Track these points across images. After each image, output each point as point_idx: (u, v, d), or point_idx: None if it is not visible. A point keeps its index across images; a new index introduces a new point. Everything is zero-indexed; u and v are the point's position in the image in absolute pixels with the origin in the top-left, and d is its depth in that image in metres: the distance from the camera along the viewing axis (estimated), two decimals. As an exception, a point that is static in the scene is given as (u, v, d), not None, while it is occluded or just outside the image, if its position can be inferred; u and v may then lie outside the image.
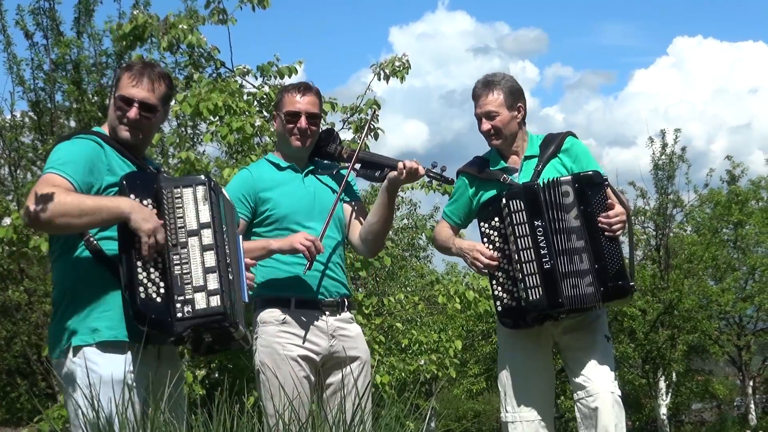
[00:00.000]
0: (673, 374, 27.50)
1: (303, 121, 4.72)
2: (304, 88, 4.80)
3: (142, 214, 3.67)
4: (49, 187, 3.62)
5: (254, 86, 8.86)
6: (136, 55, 9.07)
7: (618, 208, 4.74)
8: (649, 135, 28.35)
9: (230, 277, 3.79)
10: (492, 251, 4.81)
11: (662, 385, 26.94)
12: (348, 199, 4.91)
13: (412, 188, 10.09)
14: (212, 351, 4.01)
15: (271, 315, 4.65)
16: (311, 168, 4.84)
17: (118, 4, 15.53)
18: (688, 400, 31.10)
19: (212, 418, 3.31)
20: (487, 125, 4.89)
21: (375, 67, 8.86)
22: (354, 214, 4.91)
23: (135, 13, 8.83)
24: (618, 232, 4.75)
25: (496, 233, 4.82)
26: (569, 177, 4.77)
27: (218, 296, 3.67)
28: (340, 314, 4.74)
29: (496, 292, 4.84)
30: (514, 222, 4.71)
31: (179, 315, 3.65)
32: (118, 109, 3.94)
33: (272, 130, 8.64)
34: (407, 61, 8.82)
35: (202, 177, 3.86)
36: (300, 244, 4.51)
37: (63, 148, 3.83)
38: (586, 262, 4.70)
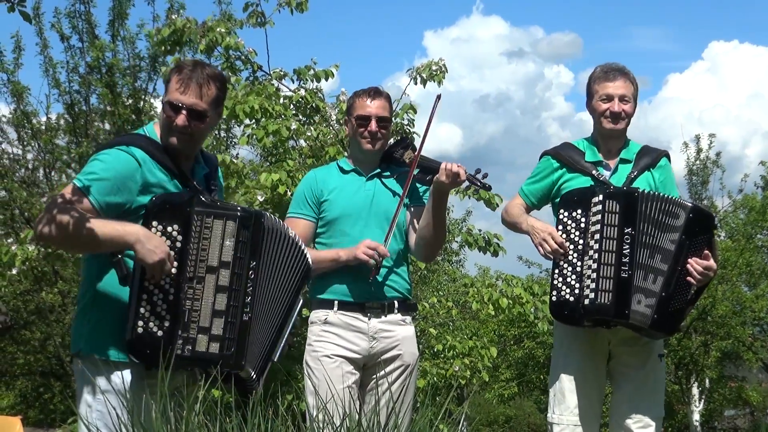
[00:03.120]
0: (706, 381, 27.30)
1: (373, 125, 4.83)
2: (374, 92, 4.92)
3: (149, 244, 3.59)
4: (64, 205, 3.60)
5: (290, 90, 8.87)
6: (173, 58, 9.08)
7: (712, 263, 4.72)
8: (683, 140, 28.09)
9: (244, 318, 3.71)
10: (565, 241, 4.80)
11: (695, 391, 26.77)
12: (409, 204, 4.91)
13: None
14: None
15: (316, 316, 4.80)
16: (377, 171, 4.91)
17: (152, 8, 15.56)
18: (721, 407, 30.82)
19: (246, 422, 3.32)
20: (620, 107, 4.90)
21: (411, 72, 8.86)
22: (413, 219, 4.92)
23: (173, 17, 8.82)
24: (699, 283, 4.74)
25: (574, 224, 4.80)
26: (690, 204, 4.77)
27: (218, 343, 3.63)
28: (385, 316, 4.79)
29: (555, 282, 4.83)
30: (605, 222, 4.69)
31: (178, 352, 3.62)
32: (166, 115, 3.84)
33: (308, 134, 8.63)
34: (444, 65, 8.78)
35: (237, 210, 3.78)
36: (363, 254, 4.61)
37: (102, 159, 3.76)
38: (658, 284, 4.67)
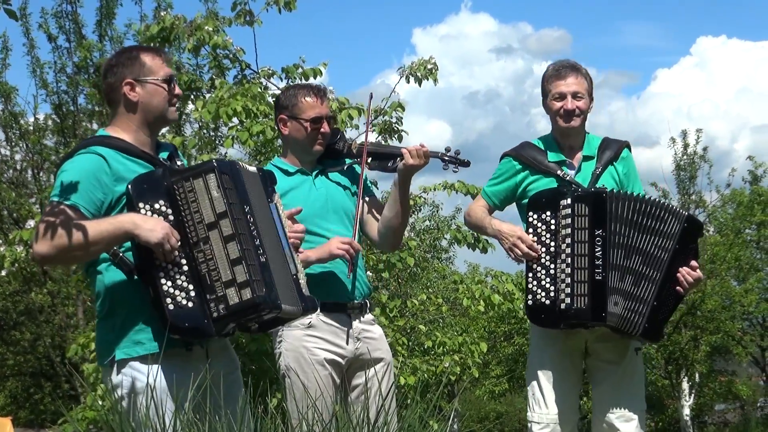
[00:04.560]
0: (696, 375, 27.43)
1: (326, 126, 4.72)
2: (322, 92, 4.78)
3: (146, 225, 3.58)
4: (53, 221, 3.54)
5: (278, 88, 8.83)
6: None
7: (700, 274, 4.73)
8: (671, 135, 28.25)
9: (262, 260, 3.67)
10: (535, 243, 4.76)
11: (685, 385, 26.87)
12: (364, 196, 4.86)
13: (435, 189, 10.04)
14: (270, 327, 4.00)
15: (297, 320, 4.58)
16: (320, 168, 4.81)
17: (140, 7, 15.55)
18: (711, 401, 30.99)
19: (236, 420, 3.29)
20: (573, 104, 4.85)
21: (402, 70, 8.76)
22: (370, 210, 4.87)
23: (162, 14, 8.81)
24: (686, 291, 4.76)
25: (544, 227, 4.76)
26: (685, 213, 4.77)
27: (248, 288, 3.58)
28: (363, 316, 4.76)
29: (530, 286, 4.78)
30: (575, 225, 4.66)
31: (215, 315, 3.60)
32: (167, 92, 3.88)
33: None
34: (435, 63, 8.77)
35: (212, 163, 3.73)
36: (338, 249, 4.51)
37: (67, 169, 3.73)
38: (650, 293, 4.69)
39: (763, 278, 27.95)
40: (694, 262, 4.73)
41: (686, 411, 26.80)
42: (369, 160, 4.79)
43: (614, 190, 4.76)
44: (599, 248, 4.64)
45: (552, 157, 4.92)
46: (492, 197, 5.05)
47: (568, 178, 4.85)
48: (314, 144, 4.73)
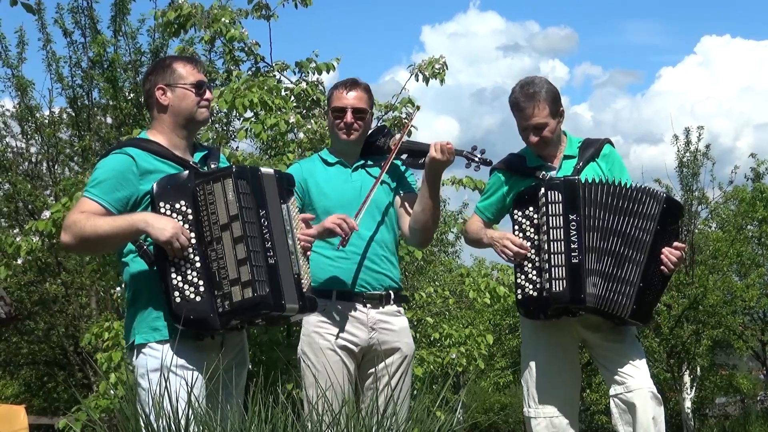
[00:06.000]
0: (698, 369, 27.48)
1: (349, 116, 4.81)
2: (351, 83, 4.90)
3: (158, 224, 3.84)
4: (78, 214, 3.93)
5: (291, 82, 8.96)
6: (177, 47, 9.22)
7: (680, 253, 4.78)
8: (674, 133, 28.26)
9: (270, 262, 3.89)
10: (522, 240, 4.82)
11: (687, 379, 26.88)
12: (399, 191, 4.95)
13: (443, 183, 10.19)
14: (277, 322, 4.26)
15: None
16: (361, 162, 4.91)
17: (154, 3, 15.74)
18: (712, 394, 31.01)
19: (247, 409, 3.41)
20: (536, 138, 4.87)
21: (412, 68, 8.91)
22: (405, 205, 4.92)
23: (180, 2, 8.92)
24: (669, 271, 4.80)
25: (528, 222, 4.82)
26: (665, 195, 4.84)
27: (250, 287, 3.81)
28: (383, 307, 4.81)
29: (519, 281, 4.83)
30: (550, 212, 4.71)
31: (220, 310, 3.84)
32: (196, 95, 4.16)
33: (308, 127, 8.73)
34: (445, 63, 8.91)
35: (231, 168, 4.00)
36: (331, 222, 4.59)
37: (99, 166, 4.08)
38: (635, 274, 4.72)
39: (764, 274, 27.92)
40: (676, 243, 4.79)
41: (687, 404, 26.86)
42: (404, 156, 4.91)
43: (588, 178, 4.80)
44: (574, 232, 4.69)
45: (531, 162, 4.98)
46: (484, 212, 5.13)
47: (547, 178, 4.87)
48: (338, 132, 4.86)
